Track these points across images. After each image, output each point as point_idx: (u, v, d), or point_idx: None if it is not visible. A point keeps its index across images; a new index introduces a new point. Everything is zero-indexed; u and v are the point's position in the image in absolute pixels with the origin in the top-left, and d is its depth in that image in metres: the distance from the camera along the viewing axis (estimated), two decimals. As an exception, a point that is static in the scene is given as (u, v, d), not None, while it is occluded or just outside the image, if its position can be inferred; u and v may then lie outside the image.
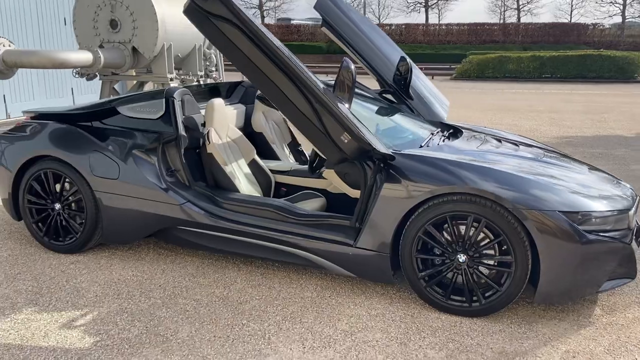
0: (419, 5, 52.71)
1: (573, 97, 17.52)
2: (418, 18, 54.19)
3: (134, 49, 8.66)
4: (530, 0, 53.23)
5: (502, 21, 51.22)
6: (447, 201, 3.13)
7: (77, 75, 9.14)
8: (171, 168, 3.92)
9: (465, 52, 42.03)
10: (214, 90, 4.92)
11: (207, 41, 10.06)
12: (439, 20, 51.90)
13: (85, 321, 3.19)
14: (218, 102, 4.12)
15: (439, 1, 53.00)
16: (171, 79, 8.97)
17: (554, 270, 3.00)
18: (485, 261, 3.16)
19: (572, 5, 58.50)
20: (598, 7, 54.38)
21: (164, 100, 3.91)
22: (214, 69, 10.23)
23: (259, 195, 4.15)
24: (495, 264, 3.16)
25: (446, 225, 3.20)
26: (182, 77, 9.47)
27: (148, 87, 10.47)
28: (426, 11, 52.46)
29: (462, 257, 3.17)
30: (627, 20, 48.35)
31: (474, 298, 3.18)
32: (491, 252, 3.18)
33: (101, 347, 2.93)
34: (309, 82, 3.10)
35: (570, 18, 53.48)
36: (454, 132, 4.33)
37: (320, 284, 3.66)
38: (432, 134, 4.08)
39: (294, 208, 3.66)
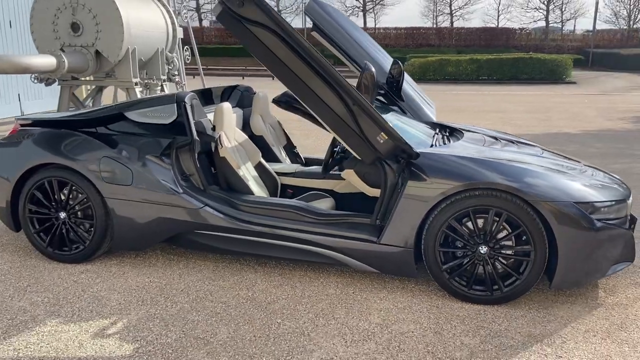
0: (357, 9, 53.69)
1: (512, 98, 18.41)
2: (356, 22, 55.03)
3: (97, 53, 8.44)
4: (462, 6, 55.26)
5: (435, 25, 52.94)
6: (470, 196, 3.32)
7: (35, 81, 8.79)
8: (185, 173, 3.91)
9: (404, 55, 43.20)
10: (208, 94, 4.91)
11: (170, 44, 9.93)
12: (375, 25, 52.95)
13: (117, 329, 3.16)
14: (227, 106, 4.14)
15: (376, 6, 54.14)
16: (136, 84, 8.79)
17: (571, 256, 3.25)
18: (505, 252, 3.37)
19: (498, 11, 61.31)
20: (524, 13, 57.23)
21: (175, 105, 3.89)
22: (176, 72, 10.10)
23: (275, 197, 4.20)
24: (513, 253, 3.37)
25: (465, 219, 3.39)
26: (146, 81, 9.27)
27: (106, 93, 10.21)
28: (364, 15, 53.55)
29: (483, 249, 3.37)
30: (550, 25, 51.22)
31: (495, 287, 3.39)
32: (509, 242, 3.39)
33: (143, 353, 2.91)
34: (347, 85, 3.21)
35: (498, 23, 55.93)
36: (451, 131, 4.55)
37: (341, 281, 3.77)
38: (435, 133, 4.28)
39: (313, 208, 3.75)
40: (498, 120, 12.37)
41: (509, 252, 3.37)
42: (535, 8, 51.71)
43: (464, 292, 3.43)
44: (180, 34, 10.31)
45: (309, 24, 5.00)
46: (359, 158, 3.46)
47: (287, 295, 3.57)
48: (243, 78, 26.80)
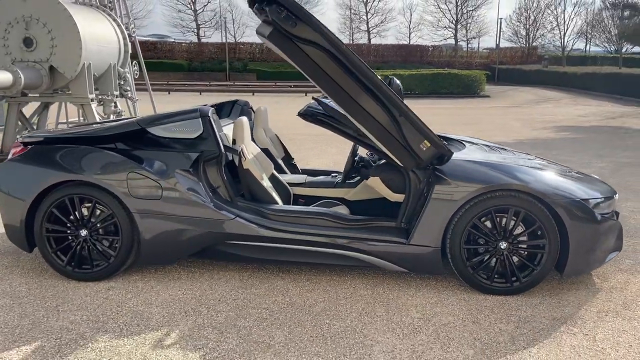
0: (278, 24, 54.05)
1: (439, 111, 19.48)
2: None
3: (51, 69, 8.16)
4: (379, 24, 57.41)
5: (352, 42, 54.55)
6: (491, 197, 3.68)
7: (-19, 98, 8.33)
8: (213, 185, 3.99)
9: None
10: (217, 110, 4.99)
11: (122, 59, 9.76)
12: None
13: (174, 339, 3.20)
14: (245, 120, 4.28)
15: (297, 22, 54.77)
16: (92, 100, 8.58)
17: (580, 247, 3.69)
18: (523, 246, 3.76)
19: (410, 29, 64.13)
20: (434, 31, 60.60)
21: (200, 119, 3.98)
22: (128, 88, 9.93)
23: (301, 206, 4.37)
24: (530, 247, 3.76)
25: (483, 218, 3.75)
26: (100, 97, 9.06)
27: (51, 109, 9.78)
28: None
29: (503, 244, 3.73)
30: (459, 42, 54.47)
31: (513, 279, 3.76)
32: (524, 238, 3.78)
33: (211, 359, 3.00)
34: (394, 98, 3.47)
35: (410, 40, 58.52)
36: (448, 140, 4.93)
37: (369, 282, 4.00)
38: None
39: (341, 214, 3.97)
40: (440, 132, 13.08)
41: (526, 246, 3.76)
42: (445, 27, 54.80)
43: (487, 285, 3.77)
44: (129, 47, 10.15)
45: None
46: (401, 165, 3.73)
47: (323, 299, 3.75)
48: (200, 92, 26.38)
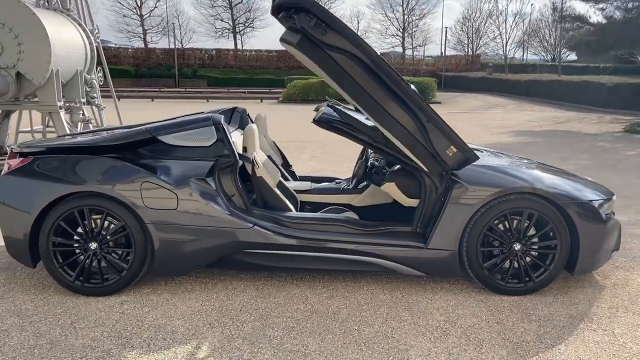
0: (227, 31, 53.72)
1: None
2: (226, 44, 55.13)
3: (19, 75, 7.80)
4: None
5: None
6: (506, 200, 3.79)
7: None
8: (228, 194, 3.92)
9: (277, 77, 44.09)
10: None
11: (88, 65, 9.44)
12: (242, 46, 53.31)
13: (207, 352, 3.14)
14: (255, 127, 4.23)
15: (246, 28, 54.60)
16: (60, 107, 8.26)
17: (589, 246, 3.85)
18: (535, 247, 3.89)
19: (358, 36, 64.77)
20: (383, 39, 61.69)
21: (213, 127, 3.91)
22: (95, 95, 9.62)
23: (317, 212, 4.35)
24: (543, 248, 3.90)
25: (497, 221, 3.86)
26: (68, 104, 8.73)
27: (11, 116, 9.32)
28: (234, 37, 53.76)
29: (517, 246, 3.86)
30: (406, 50, 55.59)
31: (527, 279, 3.89)
32: (536, 239, 3.92)
33: (251, 371, 2.95)
34: (423, 104, 3.53)
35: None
36: None
37: (385, 287, 4.03)
38: None
39: (357, 220, 3.99)
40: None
41: (539, 247, 3.89)
42: (393, 35, 55.88)
43: (502, 286, 3.88)
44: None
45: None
46: (427, 170, 3.78)
47: (345, 305, 3.76)
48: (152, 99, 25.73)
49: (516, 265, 3.89)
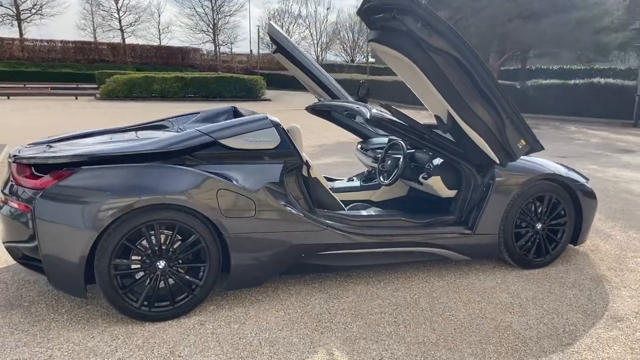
0: (9, 17, 47.14)
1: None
2: (9, 33, 48.08)
3: None
4: (133, 22, 54.72)
5: (111, 41, 50.93)
6: (533, 185, 4.34)
7: None
8: (296, 197, 3.79)
9: (77, 70, 40.22)
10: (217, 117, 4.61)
11: None
12: (20, 35, 47.13)
13: (343, 355, 3.09)
14: (299, 127, 4.13)
15: (34, 15, 48.63)
16: None
17: (588, 219, 4.61)
18: (551, 224, 4.52)
19: (159, 31, 62.74)
20: (193, 34, 60.19)
21: (274, 128, 3.74)
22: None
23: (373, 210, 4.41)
24: (557, 224, 4.53)
25: (527, 205, 4.39)
26: None
27: None
28: (19, 25, 47.45)
29: (539, 225, 4.44)
30: (219, 46, 55.38)
31: (546, 253, 4.50)
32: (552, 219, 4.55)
33: (407, 367, 3.01)
34: (508, 103, 3.84)
35: (160, 41, 56.80)
36: None
37: (429, 274, 4.29)
38: None
39: (412, 215, 4.19)
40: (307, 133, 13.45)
41: (553, 223, 4.52)
42: (203, 31, 55.11)
43: (529, 260, 4.43)
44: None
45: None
46: (497, 161, 4.10)
47: (420, 294, 3.92)
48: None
49: (538, 241, 4.47)
